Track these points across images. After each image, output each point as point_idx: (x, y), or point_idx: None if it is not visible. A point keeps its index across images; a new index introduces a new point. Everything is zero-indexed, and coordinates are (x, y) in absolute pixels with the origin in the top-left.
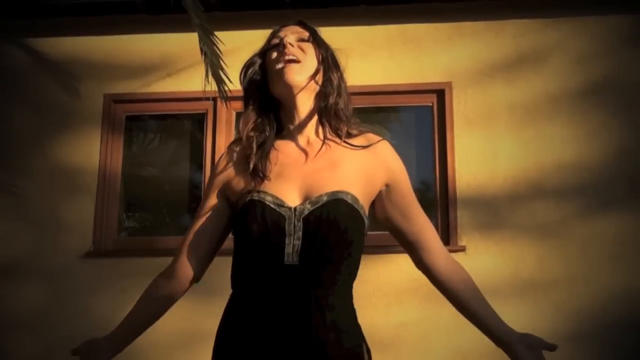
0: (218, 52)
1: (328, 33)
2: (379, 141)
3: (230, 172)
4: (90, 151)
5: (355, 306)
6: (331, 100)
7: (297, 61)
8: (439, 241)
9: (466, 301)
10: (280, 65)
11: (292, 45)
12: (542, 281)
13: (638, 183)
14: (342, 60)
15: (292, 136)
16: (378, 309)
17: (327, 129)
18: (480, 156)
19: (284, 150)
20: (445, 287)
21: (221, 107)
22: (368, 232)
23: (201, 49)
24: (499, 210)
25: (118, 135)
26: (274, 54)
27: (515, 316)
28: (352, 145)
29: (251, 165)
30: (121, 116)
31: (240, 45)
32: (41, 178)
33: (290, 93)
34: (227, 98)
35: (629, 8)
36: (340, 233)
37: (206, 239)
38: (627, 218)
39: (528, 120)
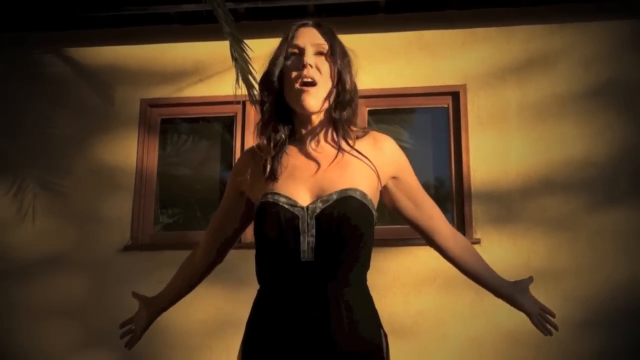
0: (247, 58)
1: (349, 40)
2: (383, 138)
3: (247, 173)
4: (127, 152)
5: (376, 295)
6: (345, 114)
7: (313, 84)
8: (447, 223)
9: (473, 270)
10: (297, 86)
11: (311, 67)
12: (552, 271)
13: None
14: (360, 64)
15: (303, 141)
16: (397, 298)
17: (340, 135)
18: (493, 154)
19: (296, 155)
20: (456, 262)
21: (249, 110)
22: (388, 226)
23: (232, 55)
24: (511, 205)
25: (153, 137)
26: (294, 73)
27: None
28: (359, 151)
29: (267, 169)
30: (156, 119)
31: (266, 52)
32: (83, 177)
33: (306, 114)
34: (257, 102)
35: (632, 13)
36: (351, 228)
37: (221, 232)
38: (631, 211)
39: (537, 120)
